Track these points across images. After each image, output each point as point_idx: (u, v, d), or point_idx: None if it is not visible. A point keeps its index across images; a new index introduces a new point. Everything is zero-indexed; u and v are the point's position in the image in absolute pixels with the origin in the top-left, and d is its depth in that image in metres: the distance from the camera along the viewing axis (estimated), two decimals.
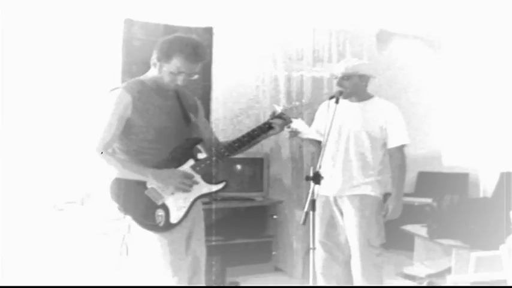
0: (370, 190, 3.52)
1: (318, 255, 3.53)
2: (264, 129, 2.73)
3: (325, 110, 3.59)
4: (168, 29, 4.41)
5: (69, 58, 4.29)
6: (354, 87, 3.53)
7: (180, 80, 2.58)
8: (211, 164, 2.67)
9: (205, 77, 4.86)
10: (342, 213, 3.57)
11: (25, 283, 3.53)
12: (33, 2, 4.00)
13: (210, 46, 4.85)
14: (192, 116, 2.74)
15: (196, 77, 2.62)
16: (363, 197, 3.51)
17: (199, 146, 2.78)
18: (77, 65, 4.33)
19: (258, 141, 2.78)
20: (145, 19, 4.55)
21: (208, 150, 2.77)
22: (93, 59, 4.41)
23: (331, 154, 3.54)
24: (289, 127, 3.31)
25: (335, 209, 3.58)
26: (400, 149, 3.55)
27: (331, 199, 3.58)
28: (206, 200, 4.54)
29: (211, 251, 4.04)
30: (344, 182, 3.53)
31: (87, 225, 3.86)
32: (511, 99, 4.53)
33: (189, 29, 4.57)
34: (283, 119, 2.75)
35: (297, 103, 2.91)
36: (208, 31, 4.84)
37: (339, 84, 3.53)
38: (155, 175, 2.56)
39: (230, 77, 4.99)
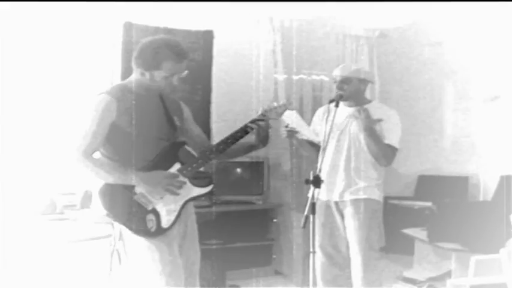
0: (372, 194, 3.52)
1: (318, 260, 3.53)
2: (247, 131, 2.76)
3: (323, 114, 3.59)
4: (168, 32, 4.41)
5: (68, 61, 4.30)
6: (353, 91, 3.54)
7: (174, 81, 2.61)
8: (198, 166, 2.67)
9: (205, 80, 4.87)
10: (342, 218, 3.57)
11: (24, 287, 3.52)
12: (32, 6, 4.00)
13: (210, 49, 4.85)
14: (176, 119, 2.74)
15: (186, 72, 2.65)
16: (365, 201, 3.50)
17: (189, 149, 2.77)
18: (76, 68, 4.34)
19: (248, 150, 2.82)
20: (145, 22, 4.55)
21: (196, 153, 2.78)
22: (93, 62, 4.41)
23: (331, 159, 3.53)
24: (286, 126, 3.32)
25: (336, 213, 3.58)
26: (393, 149, 3.51)
27: (332, 204, 3.57)
28: (206, 203, 4.57)
29: (211, 254, 4.06)
30: (346, 186, 3.52)
31: (87, 228, 3.85)
32: (511, 102, 4.53)
33: (188, 32, 4.58)
34: (264, 120, 2.78)
35: (275, 104, 2.91)
36: (209, 34, 4.84)
37: (339, 87, 3.53)
38: (141, 178, 2.55)
39: (230, 79, 4.99)
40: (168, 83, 2.60)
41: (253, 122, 2.78)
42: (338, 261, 3.59)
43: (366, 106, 3.53)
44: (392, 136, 3.50)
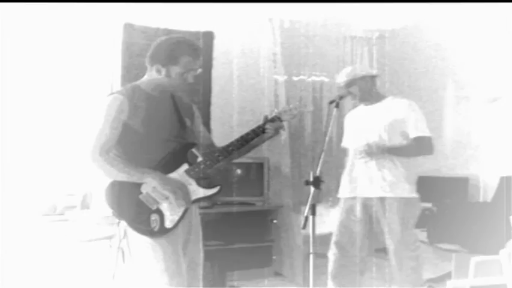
0: (402, 191, 3.52)
1: (330, 253, 3.54)
2: (258, 133, 2.72)
3: (349, 118, 3.72)
4: (168, 33, 4.41)
5: (69, 62, 4.31)
6: (362, 91, 3.59)
7: (190, 78, 2.62)
8: (206, 168, 2.67)
9: (205, 81, 4.87)
10: (369, 216, 3.55)
11: None
12: (33, 7, 4.01)
13: (210, 50, 4.86)
14: (187, 120, 2.74)
15: (199, 70, 2.66)
16: (399, 200, 3.49)
17: (194, 151, 2.77)
18: (77, 69, 4.34)
19: (254, 146, 2.78)
20: (145, 23, 4.56)
21: (203, 155, 2.77)
22: (93, 63, 4.42)
23: (356, 155, 3.55)
24: (284, 130, 3.32)
25: (362, 211, 3.56)
26: (428, 139, 3.51)
27: (358, 200, 3.56)
28: (206, 204, 4.57)
29: (211, 255, 4.05)
30: (371, 182, 3.52)
31: (87, 229, 3.86)
32: (511, 102, 4.53)
33: (189, 33, 4.57)
34: (277, 122, 2.76)
35: (291, 106, 2.89)
36: (209, 35, 4.84)
37: (347, 93, 3.56)
38: (153, 176, 2.55)
39: (230, 81, 4.99)
40: (183, 79, 2.61)
41: (266, 123, 2.74)
42: (350, 256, 3.57)
43: (382, 102, 3.58)
44: (420, 125, 3.50)
